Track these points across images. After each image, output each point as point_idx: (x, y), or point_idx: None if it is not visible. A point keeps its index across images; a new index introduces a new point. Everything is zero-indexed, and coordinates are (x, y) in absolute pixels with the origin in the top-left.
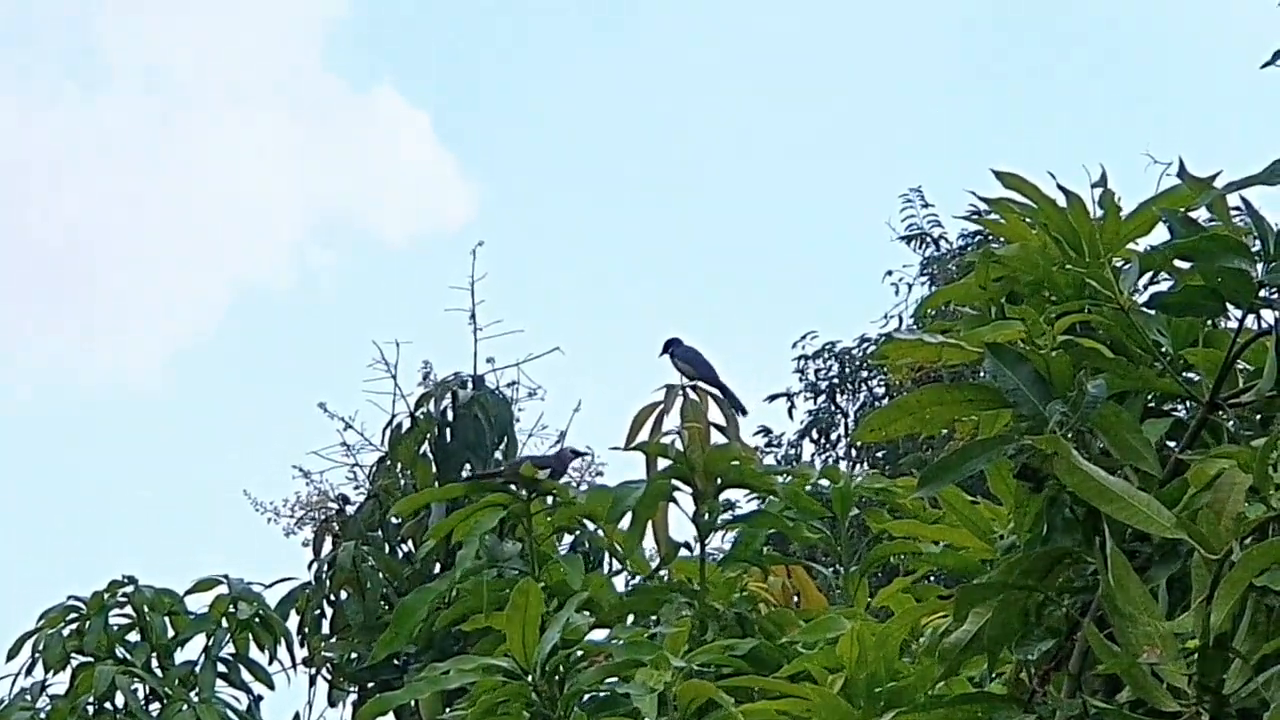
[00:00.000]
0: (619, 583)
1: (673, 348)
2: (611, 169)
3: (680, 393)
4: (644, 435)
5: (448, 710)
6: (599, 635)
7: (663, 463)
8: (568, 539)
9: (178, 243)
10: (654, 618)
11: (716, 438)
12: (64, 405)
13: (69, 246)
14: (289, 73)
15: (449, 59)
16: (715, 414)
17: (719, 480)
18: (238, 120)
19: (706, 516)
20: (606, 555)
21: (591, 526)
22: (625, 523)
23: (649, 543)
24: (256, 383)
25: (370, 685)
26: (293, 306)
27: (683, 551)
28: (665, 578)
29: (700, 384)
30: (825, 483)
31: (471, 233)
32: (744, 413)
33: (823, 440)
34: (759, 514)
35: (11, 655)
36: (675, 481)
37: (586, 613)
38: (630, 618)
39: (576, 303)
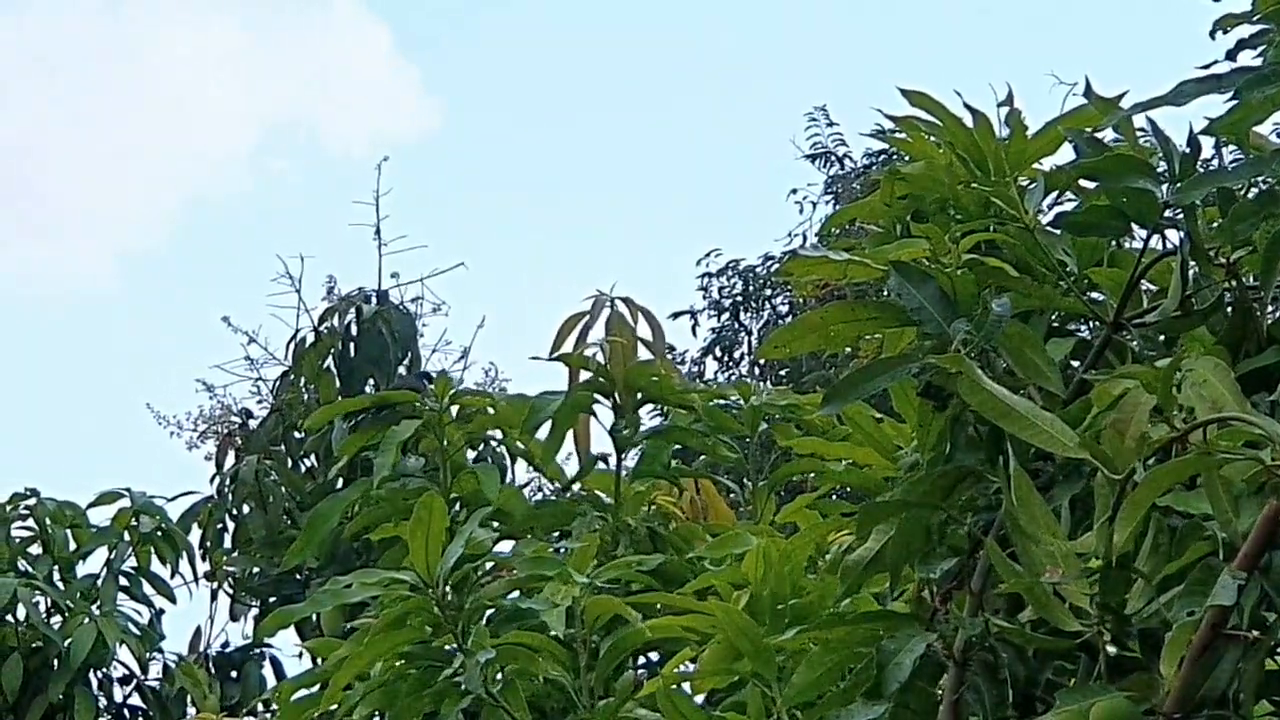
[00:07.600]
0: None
1: None
2: (554, 87)
3: (607, 303)
4: (568, 346)
5: (349, 624)
6: (507, 548)
7: (584, 375)
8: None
9: (130, 149)
10: (563, 532)
11: (642, 352)
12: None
13: (18, 152)
14: None
15: None
16: (643, 329)
17: (639, 395)
18: (192, 26)
19: (625, 431)
20: (512, 467)
21: (502, 437)
22: (543, 433)
23: (563, 457)
24: (196, 294)
25: (272, 599)
26: (244, 215)
27: (599, 465)
28: (579, 491)
29: None
30: (734, 398)
31: (431, 145)
32: None
33: (726, 358)
34: (675, 429)
35: None
36: (596, 395)
37: (497, 525)
38: (540, 531)
39: (499, 221)
